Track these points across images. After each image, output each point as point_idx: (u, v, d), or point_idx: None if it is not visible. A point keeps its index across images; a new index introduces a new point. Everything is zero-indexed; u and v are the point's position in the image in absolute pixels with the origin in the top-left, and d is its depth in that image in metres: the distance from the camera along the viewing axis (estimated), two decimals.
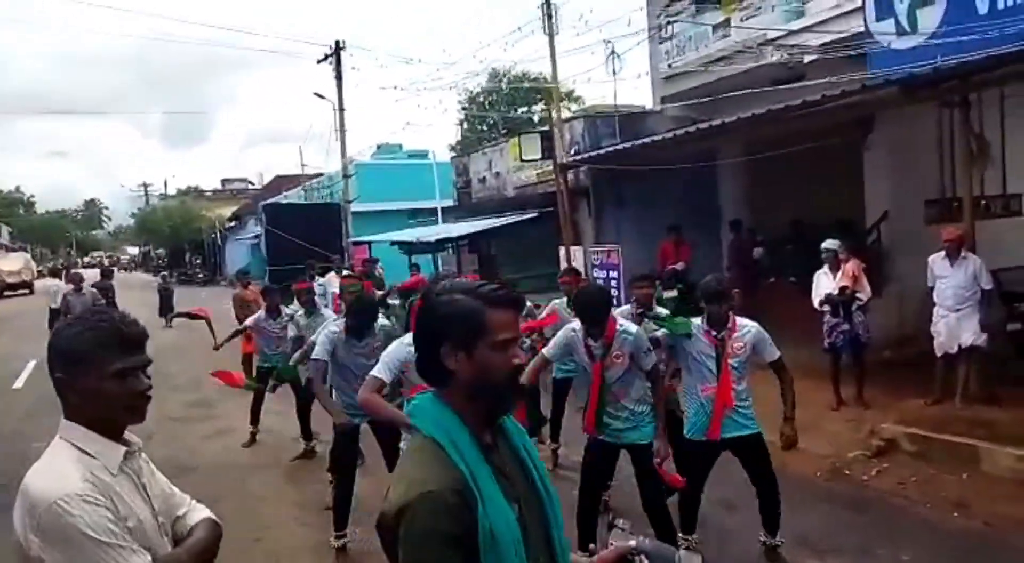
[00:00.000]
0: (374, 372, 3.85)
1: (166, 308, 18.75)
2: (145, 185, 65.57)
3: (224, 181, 65.58)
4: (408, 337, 3.81)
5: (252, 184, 55.83)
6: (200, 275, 39.20)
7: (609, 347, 4.10)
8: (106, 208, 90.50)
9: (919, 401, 6.81)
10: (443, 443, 1.41)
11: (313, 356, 4.95)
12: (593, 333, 4.11)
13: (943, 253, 6.80)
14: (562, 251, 11.24)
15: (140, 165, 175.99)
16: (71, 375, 1.70)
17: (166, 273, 28.20)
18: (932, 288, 6.89)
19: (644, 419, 4.19)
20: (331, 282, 11.65)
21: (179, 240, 46.26)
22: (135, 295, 26.42)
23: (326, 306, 9.49)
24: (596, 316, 4.06)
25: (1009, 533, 4.58)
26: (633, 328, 4.22)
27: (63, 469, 1.64)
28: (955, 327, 6.68)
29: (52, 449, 1.73)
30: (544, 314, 6.35)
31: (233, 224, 38.04)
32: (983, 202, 7.70)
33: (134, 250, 76.61)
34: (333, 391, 5.16)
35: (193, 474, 6.46)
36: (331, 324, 5.18)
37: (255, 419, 7.64)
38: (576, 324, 4.24)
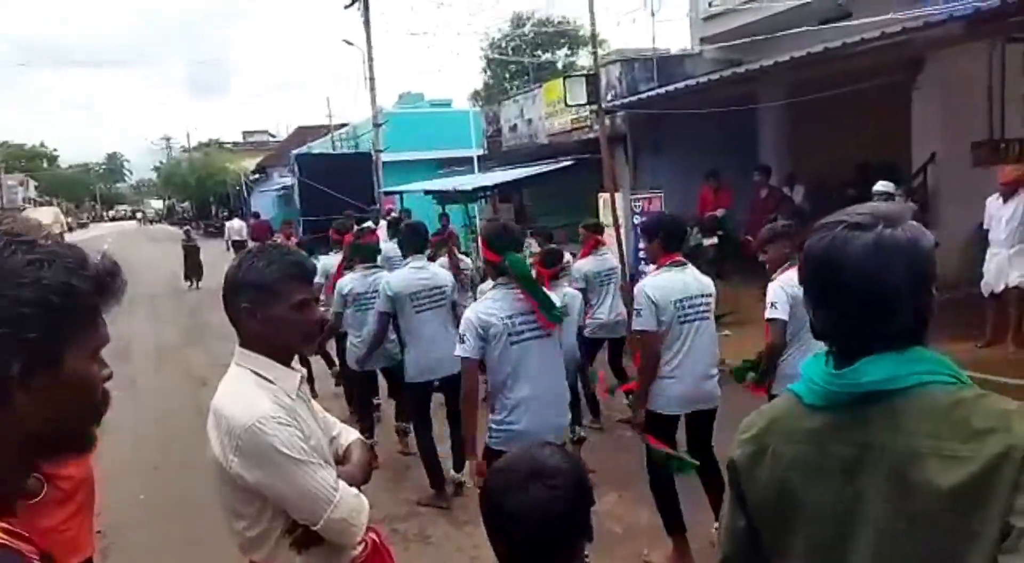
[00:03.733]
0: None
1: (193, 268, 17.75)
2: (167, 138, 65.79)
3: (245, 133, 65.49)
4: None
5: (273, 136, 55.69)
6: None
7: None
8: (127, 161, 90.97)
9: (970, 344, 6.84)
10: None
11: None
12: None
13: (998, 194, 6.74)
14: (602, 198, 11.20)
15: (160, 118, 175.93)
16: (258, 305, 1.79)
17: (189, 227, 26.01)
18: (988, 231, 6.85)
19: None
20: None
21: (204, 192, 46.49)
22: (159, 248, 25.89)
23: None
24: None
25: None
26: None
27: (252, 394, 1.76)
28: (1005, 265, 6.67)
29: (233, 376, 1.84)
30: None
31: (257, 176, 38.12)
32: None
33: (158, 203, 77.16)
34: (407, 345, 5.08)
35: None
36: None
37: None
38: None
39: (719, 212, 10.66)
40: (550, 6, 27.85)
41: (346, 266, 6.03)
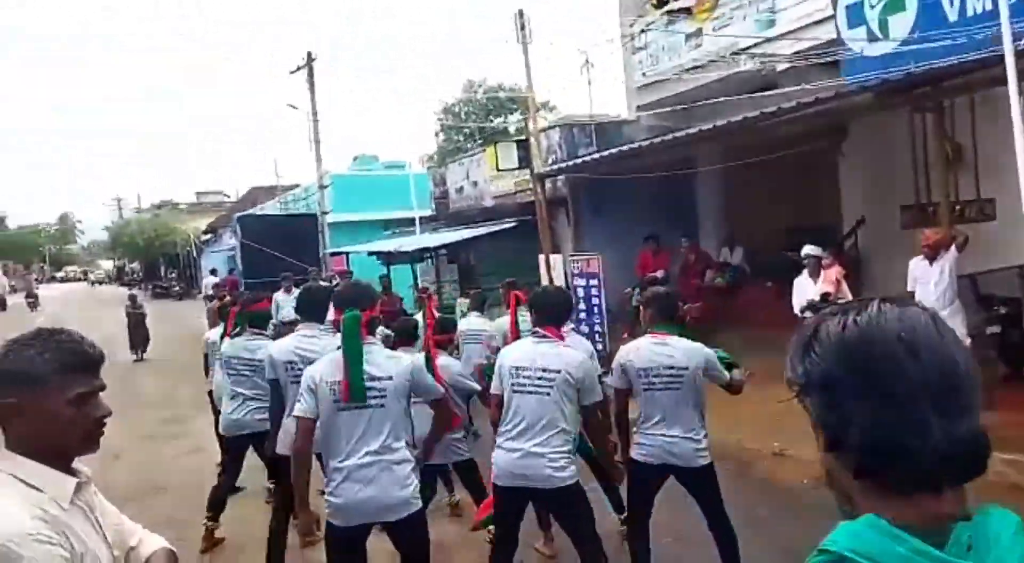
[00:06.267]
0: None
1: (138, 338, 16.17)
2: (118, 199, 64.82)
3: (199, 194, 64.78)
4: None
5: (228, 196, 55.24)
6: (176, 288, 38.63)
7: None
8: (79, 222, 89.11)
9: None
10: None
11: None
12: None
13: (922, 256, 6.83)
14: (542, 260, 11.20)
15: (115, 177, 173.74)
16: (25, 399, 1.55)
17: (135, 292, 22.98)
18: (913, 293, 6.90)
19: None
20: None
21: (153, 253, 45.62)
22: (103, 313, 23.60)
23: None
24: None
25: None
26: None
27: (8, 507, 1.50)
28: None
29: None
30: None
31: (209, 237, 37.59)
32: (958, 207, 7.75)
33: (108, 264, 75.40)
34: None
35: (163, 495, 6.25)
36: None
37: None
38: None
39: (659, 274, 10.69)
40: (496, 73, 28.46)
41: (234, 333, 5.65)
